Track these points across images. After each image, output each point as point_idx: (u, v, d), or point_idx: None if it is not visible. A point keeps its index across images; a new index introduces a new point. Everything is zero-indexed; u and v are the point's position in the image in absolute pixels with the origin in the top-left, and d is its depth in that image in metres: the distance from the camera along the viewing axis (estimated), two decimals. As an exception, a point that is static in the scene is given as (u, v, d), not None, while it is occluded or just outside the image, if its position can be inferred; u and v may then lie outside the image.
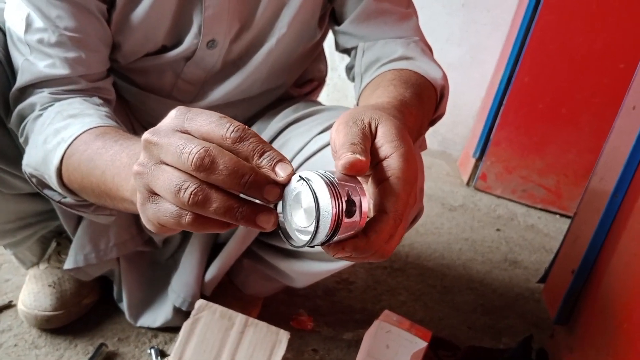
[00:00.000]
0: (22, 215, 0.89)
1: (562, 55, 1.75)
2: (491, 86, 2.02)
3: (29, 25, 0.68)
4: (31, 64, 0.69)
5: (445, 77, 0.75)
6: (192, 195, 0.39)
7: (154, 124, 0.44)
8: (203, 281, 0.95)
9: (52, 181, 0.63)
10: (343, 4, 0.82)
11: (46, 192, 0.69)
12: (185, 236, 0.99)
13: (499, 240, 1.66)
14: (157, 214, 0.42)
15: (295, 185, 0.40)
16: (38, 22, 0.68)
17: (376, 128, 0.46)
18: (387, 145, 0.45)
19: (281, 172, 0.40)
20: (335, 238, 0.40)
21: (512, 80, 1.83)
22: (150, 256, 1.01)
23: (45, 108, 0.68)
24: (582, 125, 1.80)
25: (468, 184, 2.01)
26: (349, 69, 0.86)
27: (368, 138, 0.45)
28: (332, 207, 0.38)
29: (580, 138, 1.82)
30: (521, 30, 1.79)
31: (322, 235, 0.39)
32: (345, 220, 0.39)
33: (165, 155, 0.40)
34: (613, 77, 1.71)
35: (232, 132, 0.40)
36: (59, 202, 0.68)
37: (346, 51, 0.87)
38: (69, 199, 0.66)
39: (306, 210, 0.40)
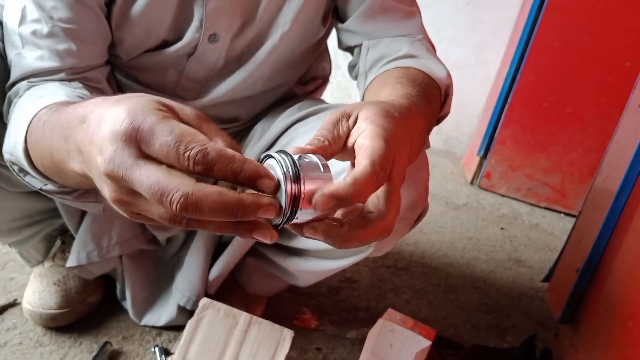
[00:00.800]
0: (28, 213, 0.90)
1: (567, 53, 1.74)
2: (496, 85, 2.01)
3: (23, 17, 0.68)
4: (22, 57, 0.68)
5: (449, 76, 0.75)
6: (185, 223, 0.40)
7: None
8: (207, 280, 0.95)
9: (25, 165, 0.59)
10: (346, 1, 0.82)
11: (27, 179, 0.64)
12: (189, 235, 0.99)
13: (503, 239, 1.65)
14: (137, 216, 0.43)
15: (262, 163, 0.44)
16: (33, 13, 0.67)
17: (357, 116, 0.49)
18: (363, 123, 0.48)
19: (265, 189, 0.40)
20: (305, 213, 0.42)
21: (516, 78, 1.82)
22: (154, 255, 1.01)
23: (26, 91, 0.67)
24: (587, 123, 1.80)
25: (472, 182, 2.01)
26: (352, 67, 0.86)
27: (336, 124, 0.48)
28: (287, 184, 0.41)
29: (585, 137, 1.81)
30: (526, 28, 1.79)
31: (286, 211, 0.41)
32: (306, 188, 0.41)
33: (141, 190, 0.38)
34: (618, 76, 1.70)
35: (194, 166, 0.38)
36: (41, 189, 0.64)
37: (349, 49, 0.87)
38: (50, 186, 0.63)
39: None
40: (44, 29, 0.67)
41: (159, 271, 1.01)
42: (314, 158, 0.43)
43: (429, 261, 1.43)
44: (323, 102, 0.96)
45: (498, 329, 1.20)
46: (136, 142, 0.39)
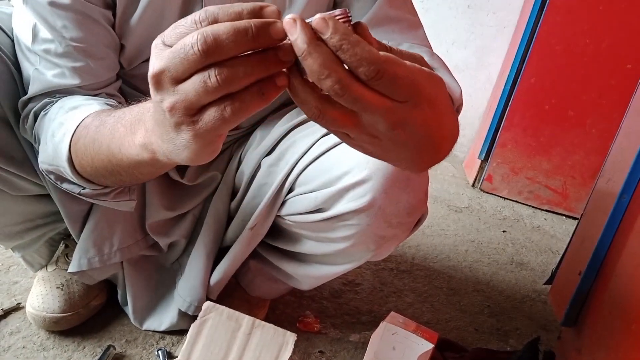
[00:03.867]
0: (31, 217, 0.90)
1: (569, 56, 1.74)
2: (497, 88, 2.02)
3: (35, 36, 0.69)
4: (40, 73, 0.70)
5: (462, 93, 0.74)
6: (217, 76, 0.39)
7: None
8: (209, 285, 0.95)
9: (67, 172, 0.65)
10: (349, 8, 0.82)
11: (65, 186, 0.70)
12: (191, 240, 0.99)
13: (505, 241, 1.65)
14: (203, 129, 0.42)
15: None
16: (44, 33, 0.69)
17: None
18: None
19: (270, 14, 0.40)
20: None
21: (518, 81, 1.82)
22: (155, 260, 1.01)
23: (52, 105, 0.70)
24: (589, 126, 1.80)
25: (474, 185, 2.01)
26: None
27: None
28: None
29: (587, 139, 1.81)
30: (527, 31, 1.79)
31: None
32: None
33: (174, 71, 0.40)
34: (620, 78, 1.70)
35: (200, 22, 0.40)
36: (79, 194, 0.70)
37: None
38: (88, 189, 0.68)
39: None
40: (59, 48, 0.69)
41: (160, 277, 1.01)
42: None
43: (431, 264, 1.43)
44: None
45: (501, 332, 1.20)
46: (160, 39, 0.43)
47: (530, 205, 1.94)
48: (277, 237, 0.91)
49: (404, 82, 0.39)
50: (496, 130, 1.91)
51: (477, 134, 2.13)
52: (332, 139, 0.78)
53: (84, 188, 0.68)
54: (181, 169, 0.93)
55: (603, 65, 1.72)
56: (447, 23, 2.10)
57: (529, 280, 1.44)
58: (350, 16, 0.40)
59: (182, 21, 0.41)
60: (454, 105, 0.72)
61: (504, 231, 1.72)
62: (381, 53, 0.38)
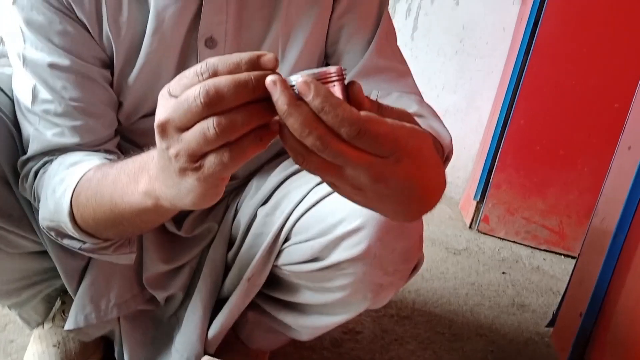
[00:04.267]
0: (27, 274, 0.90)
1: (556, 97, 1.78)
2: (488, 130, 2.05)
3: (35, 97, 0.71)
4: (40, 133, 0.72)
5: (452, 142, 0.75)
6: (216, 127, 0.41)
7: None
8: (206, 338, 0.94)
9: (68, 227, 0.65)
10: (339, 60, 0.85)
11: (65, 241, 0.70)
12: (188, 293, 0.98)
13: (505, 283, 1.64)
14: (205, 174, 0.44)
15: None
16: (44, 94, 0.71)
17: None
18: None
19: (266, 60, 0.43)
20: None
21: (508, 123, 1.86)
22: (152, 315, 1.00)
23: (51, 162, 0.71)
24: (581, 165, 1.82)
25: (471, 226, 2.01)
26: None
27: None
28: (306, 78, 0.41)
29: (579, 178, 1.83)
30: (514, 75, 1.84)
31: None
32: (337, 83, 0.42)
33: (179, 121, 0.42)
34: (608, 117, 1.73)
35: (204, 72, 0.42)
36: (79, 249, 0.70)
37: None
38: (89, 244, 0.68)
39: None
40: (58, 108, 0.71)
41: (157, 332, 1.00)
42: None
43: (432, 309, 1.42)
44: None
45: (505, 377, 1.18)
46: (166, 90, 0.46)
47: (528, 246, 1.94)
48: (275, 288, 0.91)
49: (385, 140, 0.41)
50: (490, 172, 1.94)
51: (471, 176, 2.16)
52: (326, 187, 0.78)
53: (85, 243, 0.69)
54: (178, 220, 0.93)
55: (591, 105, 1.76)
56: (436, 69, 2.16)
57: (531, 323, 1.42)
58: (345, 74, 0.42)
59: (187, 72, 0.43)
60: (444, 152, 0.73)
61: (503, 273, 1.71)
62: (362, 113, 0.40)
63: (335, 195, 0.77)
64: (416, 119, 0.73)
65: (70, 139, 0.72)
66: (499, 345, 1.29)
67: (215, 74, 0.42)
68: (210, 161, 0.43)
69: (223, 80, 0.41)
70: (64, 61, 0.70)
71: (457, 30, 2.11)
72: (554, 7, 1.71)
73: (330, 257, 0.76)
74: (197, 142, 0.42)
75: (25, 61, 0.71)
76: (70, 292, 0.90)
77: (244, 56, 0.42)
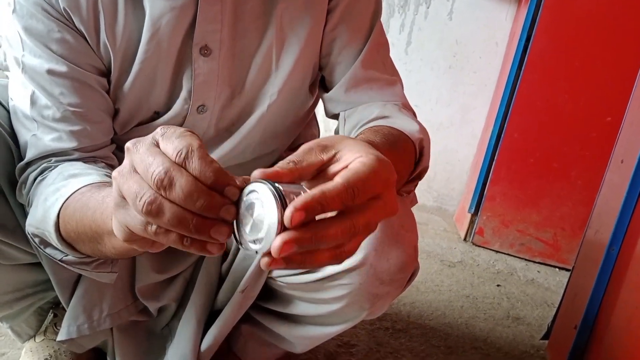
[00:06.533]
0: (20, 286, 0.89)
1: (549, 111, 1.80)
2: (482, 142, 2.07)
3: (33, 103, 0.72)
4: (38, 139, 0.72)
5: (422, 130, 0.76)
6: (145, 205, 0.41)
7: None
8: (199, 351, 0.93)
9: (52, 237, 0.65)
10: (332, 72, 0.86)
11: (48, 251, 0.70)
12: (181, 304, 0.98)
13: (500, 296, 1.64)
14: (125, 218, 0.45)
15: (246, 197, 0.43)
16: (43, 100, 0.71)
17: (335, 151, 0.46)
18: (349, 154, 0.45)
19: (230, 196, 0.42)
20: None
21: (501, 136, 1.87)
22: (145, 326, 0.99)
23: (50, 170, 0.71)
24: (574, 178, 1.83)
25: (465, 239, 2.01)
26: (336, 134, 0.89)
27: (312, 152, 0.46)
28: (278, 216, 0.40)
29: (573, 191, 1.84)
30: (507, 89, 1.86)
31: (269, 243, 0.40)
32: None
33: (137, 165, 0.43)
34: (601, 130, 1.75)
35: (178, 157, 0.42)
36: (60, 260, 0.69)
37: (334, 116, 0.91)
38: (70, 257, 0.67)
39: (255, 219, 0.42)
40: (57, 114, 0.72)
41: (150, 343, 0.99)
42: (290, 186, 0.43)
43: (427, 321, 1.41)
44: None
45: (501, 391, 1.17)
46: (161, 132, 0.45)
47: (522, 258, 1.94)
48: (269, 299, 0.90)
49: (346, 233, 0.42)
50: (484, 184, 1.94)
51: (466, 188, 2.16)
52: None
53: (67, 255, 0.68)
54: None
55: (583, 119, 1.77)
56: (430, 83, 2.18)
57: (527, 336, 1.42)
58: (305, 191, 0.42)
59: (149, 162, 0.43)
60: (414, 142, 0.74)
61: (498, 285, 1.71)
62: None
63: None
64: (379, 120, 0.76)
65: (68, 144, 0.72)
66: (494, 358, 1.28)
67: (186, 158, 0.42)
68: (134, 215, 0.44)
69: (183, 181, 0.41)
70: (62, 68, 0.71)
71: (451, 44, 2.13)
72: (546, 22, 1.73)
73: (325, 269, 0.76)
74: (135, 193, 0.43)
75: (24, 68, 0.71)
76: (62, 303, 0.89)
77: (212, 174, 0.42)
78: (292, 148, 1.01)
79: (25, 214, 0.75)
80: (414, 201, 0.85)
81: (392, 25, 2.16)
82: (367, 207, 0.43)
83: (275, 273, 0.84)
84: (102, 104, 0.76)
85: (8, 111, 0.77)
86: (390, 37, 2.17)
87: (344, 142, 0.47)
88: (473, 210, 1.98)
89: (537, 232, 1.92)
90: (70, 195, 0.64)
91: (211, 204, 0.41)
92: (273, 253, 0.40)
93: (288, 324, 0.90)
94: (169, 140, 0.43)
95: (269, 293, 0.89)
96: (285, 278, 0.82)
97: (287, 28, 0.81)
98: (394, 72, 0.88)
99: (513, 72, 1.83)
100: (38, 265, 0.83)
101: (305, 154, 0.45)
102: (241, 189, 0.43)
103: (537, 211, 1.90)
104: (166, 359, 0.95)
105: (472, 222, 1.99)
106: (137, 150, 0.44)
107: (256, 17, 0.79)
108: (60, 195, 0.65)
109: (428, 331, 1.36)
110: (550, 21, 1.73)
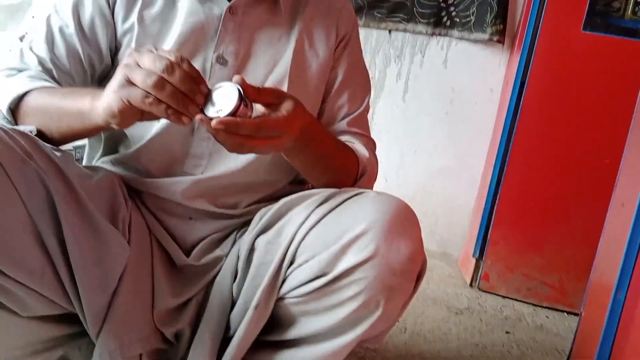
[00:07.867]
0: (32, 340, 0.87)
1: (548, 155, 1.82)
2: (482, 187, 2.08)
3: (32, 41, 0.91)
4: (24, 63, 0.91)
5: (371, 162, 0.97)
6: (155, 81, 0.66)
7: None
8: None
9: (3, 107, 0.84)
10: (333, 115, 1.02)
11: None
12: (195, 330, 0.96)
13: (509, 343, 1.61)
14: (129, 94, 0.68)
15: (217, 85, 0.72)
16: (42, 45, 0.90)
17: (285, 102, 0.77)
18: (287, 107, 0.76)
19: (203, 87, 0.71)
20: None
21: (501, 181, 1.88)
22: (167, 357, 0.98)
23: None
24: (576, 221, 1.83)
25: (471, 284, 1.99)
26: None
27: (274, 92, 0.78)
28: (239, 95, 0.70)
29: (575, 234, 1.84)
30: (504, 134, 1.89)
31: (229, 109, 0.70)
32: (242, 107, 0.71)
33: (142, 61, 0.68)
34: (600, 173, 1.76)
35: (175, 59, 0.69)
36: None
37: None
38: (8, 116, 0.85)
39: (224, 95, 0.71)
40: (47, 64, 0.90)
41: None
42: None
43: (436, 372, 1.38)
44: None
45: None
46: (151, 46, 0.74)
47: (530, 303, 1.91)
48: (270, 331, 0.89)
49: (275, 125, 0.75)
50: (487, 229, 1.94)
51: (469, 233, 2.16)
52: (327, 207, 0.82)
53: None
54: (187, 251, 0.95)
55: (582, 162, 1.79)
56: (427, 131, 2.21)
57: (539, 384, 1.39)
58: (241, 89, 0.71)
59: (154, 58, 0.69)
60: (358, 161, 0.96)
61: (507, 332, 1.68)
62: (256, 119, 0.74)
63: (336, 211, 0.83)
64: (348, 143, 1.00)
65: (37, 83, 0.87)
66: (507, 410, 1.25)
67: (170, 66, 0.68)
68: (137, 91, 0.67)
69: (167, 85, 0.68)
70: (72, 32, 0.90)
71: (447, 91, 2.18)
72: (539, 67, 1.78)
73: (337, 267, 0.77)
74: (141, 78, 0.67)
75: (51, 13, 0.91)
76: (92, 334, 0.87)
77: (196, 73, 0.70)
78: (297, 181, 1.04)
79: (65, 259, 0.75)
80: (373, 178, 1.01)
81: (389, 74, 2.21)
82: (267, 137, 0.74)
83: (287, 287, 0.84)
84: (81, 74, 0.93)
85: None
86: (388, 86, 2.22)
87: (294, 104, 0.77)
88: (477, 254, 1.96)
89: (543, 276, 1.90)
90: (45, 84, 0.84)
91: (193, 88, 0.68)
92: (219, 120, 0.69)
93: (289, 349, 0.88)
94: (165, 52, 0.69)
95: (269, 323, 0.88)
96: (296, 290, 0.82)
97: (301, 61, 0.95)
98: (367, 129, 1.05)
99: (509, 118, 1.86)
100: (52, 319, 0.83)
101: (270, 90, 0.77)
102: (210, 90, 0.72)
103: (541, 255, 1.89)
104: None
105: (477, 267, 1.98)
106: (141, 53, 0.69)
107: (268, 46, 0.95)
108: (34, 79, 0.85)
109: (438, 382, 1.33)
110: (543, 66, 1.78)
